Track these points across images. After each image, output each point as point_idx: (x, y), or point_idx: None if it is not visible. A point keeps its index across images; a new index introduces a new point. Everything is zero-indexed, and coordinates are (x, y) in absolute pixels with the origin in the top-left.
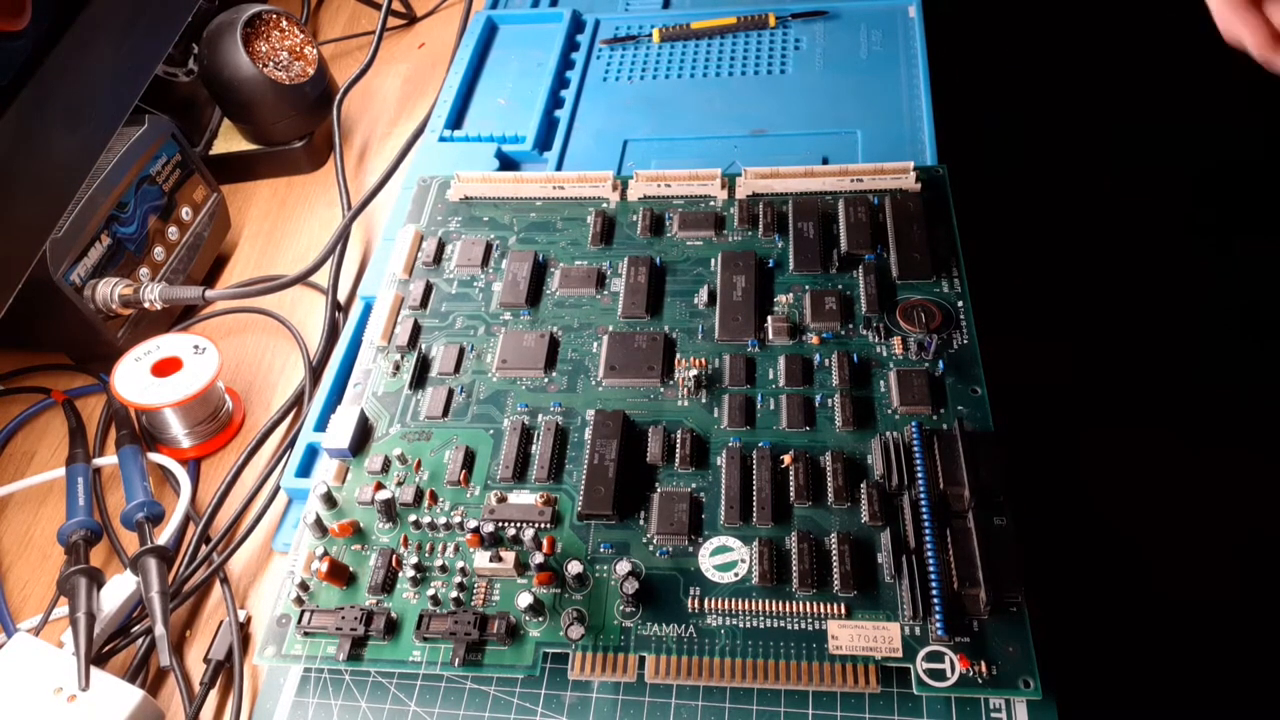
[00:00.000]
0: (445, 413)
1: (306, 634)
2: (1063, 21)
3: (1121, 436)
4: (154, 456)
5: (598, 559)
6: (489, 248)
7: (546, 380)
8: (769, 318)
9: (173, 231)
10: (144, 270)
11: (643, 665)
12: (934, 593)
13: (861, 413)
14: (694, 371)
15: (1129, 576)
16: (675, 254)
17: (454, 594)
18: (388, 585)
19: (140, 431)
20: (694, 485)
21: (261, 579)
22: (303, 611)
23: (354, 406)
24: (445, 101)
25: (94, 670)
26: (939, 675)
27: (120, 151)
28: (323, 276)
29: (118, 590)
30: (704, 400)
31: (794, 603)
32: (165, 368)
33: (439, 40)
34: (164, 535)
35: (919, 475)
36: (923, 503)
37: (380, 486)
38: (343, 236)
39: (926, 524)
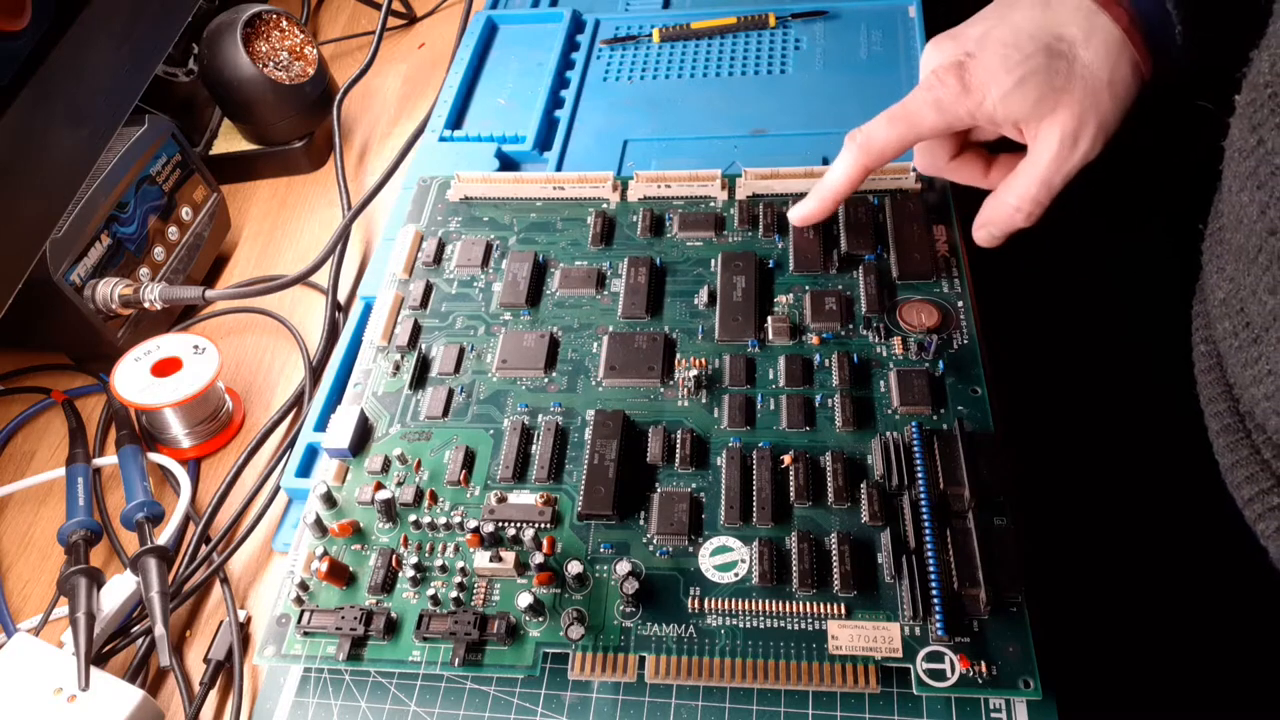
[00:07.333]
0: (445, 413)
1: (306, 634)
2: None
3: (1122, 436)
4: (154, 456)
5: (598, 559)
6: (489, 248)
7: (546, 380)
8: (769, 318)
9: (173, 231)
10: (144, 270)
11: (643, 665)
12: (934, 593)
13: (861, 413)
14: (694, 372)
15: (1129, 576)
16: (675, 254)
17: (454, 594)
18: (388, 585)
19: (140, 431)
20: (694, 485)
21: (261, 579)
22: (303, 611)
23: (354, 406)
24: (445, 101)
25: (94, 670)
26: (939, 675)
27: (120, 151)
28: (323, 276)
29: (118, 590)
30: (704, 400)
31: (794, 603)
32: (165, 368)
33: (439, 40)
34: (164, 535)
35: (919, 475)
36: (923, 503)
37: (380, 486)
38: (343, 236)
39: (926, 524)
